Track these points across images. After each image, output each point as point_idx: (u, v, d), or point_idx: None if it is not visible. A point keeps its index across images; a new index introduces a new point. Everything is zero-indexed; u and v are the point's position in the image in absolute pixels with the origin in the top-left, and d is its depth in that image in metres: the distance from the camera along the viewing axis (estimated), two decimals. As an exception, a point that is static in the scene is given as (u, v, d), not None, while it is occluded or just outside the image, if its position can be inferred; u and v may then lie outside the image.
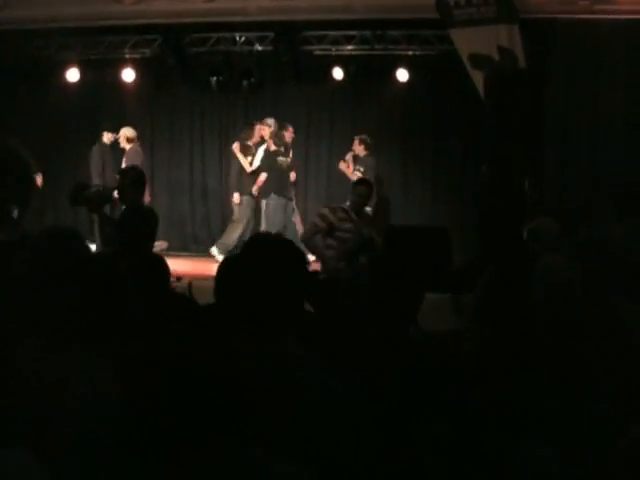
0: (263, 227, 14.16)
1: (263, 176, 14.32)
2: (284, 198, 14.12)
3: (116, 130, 14.89)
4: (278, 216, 14.00)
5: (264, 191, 14.28)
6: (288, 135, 14.63)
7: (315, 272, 5.04)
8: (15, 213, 2.09)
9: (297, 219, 14.61)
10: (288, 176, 14.40)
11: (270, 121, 14.65)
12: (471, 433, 2.36)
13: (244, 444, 2.07)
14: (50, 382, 2.59)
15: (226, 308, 4.36)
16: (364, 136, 14.67)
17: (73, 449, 2.47)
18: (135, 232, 9.13)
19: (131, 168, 10.50)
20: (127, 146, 14.56)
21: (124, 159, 14.43)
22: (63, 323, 2.82)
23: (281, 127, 14.62)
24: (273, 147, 14.38)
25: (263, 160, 14.57)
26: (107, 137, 14.87)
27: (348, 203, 10.09)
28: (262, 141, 14.77)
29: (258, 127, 14.89)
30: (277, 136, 14.46)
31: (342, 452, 2.57)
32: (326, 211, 10.13)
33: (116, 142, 14.88)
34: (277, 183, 14.16)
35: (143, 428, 2.10)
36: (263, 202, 14.27)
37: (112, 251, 8.90)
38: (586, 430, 2.79)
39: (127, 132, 14.53)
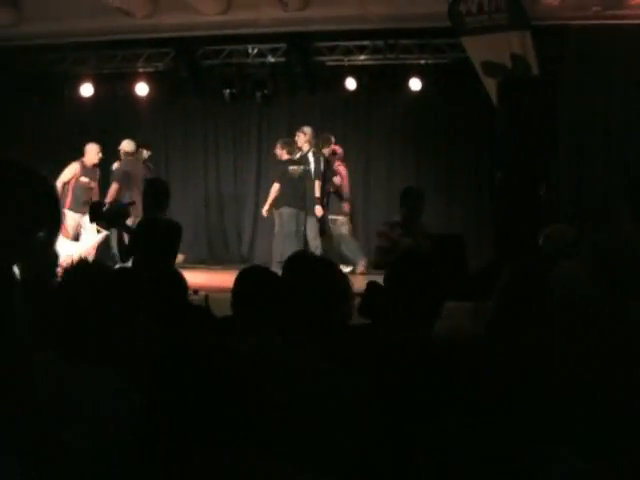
0: (276, 236, 14.11)
1: (275, 187, 14.20)
2: (296, 209, 14.01)
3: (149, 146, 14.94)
4: (291, 226, 13.91)
5: (278, 201, 14.19)
6: (329, 149, 14.59)
7: (373, 282, 5.05)
8: (41, 237, 2.11)
9: (311, 230, 14.43)
10: (302, 186, 14.21)
11: (307, 129, 14.44)
12: (488, 440, 2.36)
13: (257, 451, 2.08)
14: (64, 394, 2.61)
15: (243, 319, 4.38)
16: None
17: (84, 458, 2.49)
18: (149, 246, 9.15)
19: (152, 180, 10.55)
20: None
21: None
22: (79, 335, 2.84)
23: (325, 140, 14.59)
24: (285, 156, 14.29)
25: (274, 170, 14.53)
26: (144, 153, 14.81)
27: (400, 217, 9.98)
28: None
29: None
30: (288, 144, 14.37)
31: (355, 457, 2.57)
32: (385, 229, 10.01)
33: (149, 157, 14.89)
34: (289, 194, 14.04)
35: (157, 438, 2.11)
36: (276, 212, 14.19)
37: (130, 265, 8.94)
38: (603, 434, 2.78)
39: (125, 146, 14.32)
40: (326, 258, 4.43)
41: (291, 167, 14.14)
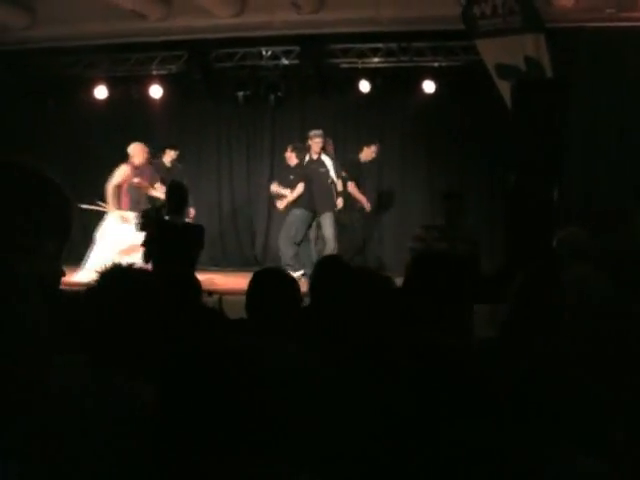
0: (281, 235, 14.03)
1: (300, 187, 14.05)
2: (309, 211, 13.95)
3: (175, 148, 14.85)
4: (300, 226, 13.83)
5: (294, 202, 14.10)
6: (369, 152, 14.61)
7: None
8: (50, 246, 2.12)
9: (329, 229, 14.28)
10: (314, 189, 14.13)
11: (320, 132, 14.38)
12: (493, 440, 2.36)
13: (267, 457, 2.08)
14: (81, 396, 2.62)
15: (257, 321, 4.39)
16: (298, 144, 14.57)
17: (95, 459, 2.50)
18: (164, 248, 9.24)
19: (170, 184, 10.63)
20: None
21: None
22: (103, 338, 2.89)
23: (369, 143, 14.61)
24: (294, 160, 14.22)
25: (298, 171, 14.39)
26: (169, 155, 14.76)
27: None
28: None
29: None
30: (298, 149, 14.31)
31: (357, 459, 2.57)
32: (420, 231, 9.96)
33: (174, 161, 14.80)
34: (302, 196, 13.98)
35: (166, 439, 2.12)
36: (290, 212, 14.10)
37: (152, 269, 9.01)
38: (612, 435, 2.78)
39: (128, 148, 14.35)
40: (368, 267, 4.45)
41: (311, 169, 14.09)
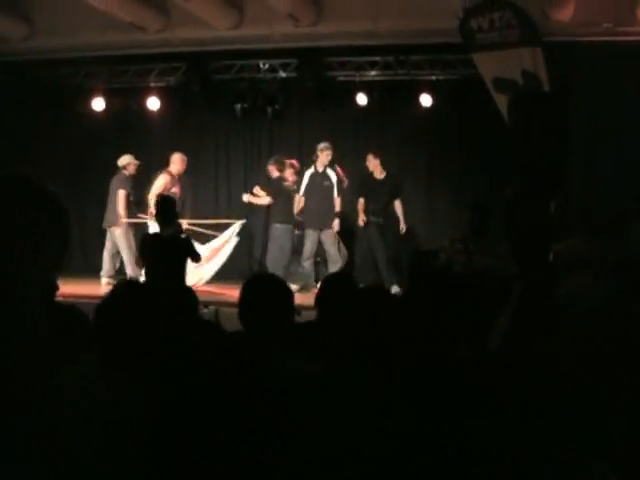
0: (270, 252, 14.11)
1: (266, 201, 14.29)
2: (288, 224, 14.02)
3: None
4: (284, 242, 13.89)
5: (272, 216, 14.34)
6: (374, 162, 14.63)
7: None
8: (47, 256, 2.15)
9: (332, 245, 14.29)
10: (315, 202, 14.23)
11: (325, 144, 14.54)
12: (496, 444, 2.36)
13: (267, 457, 2.09)
14: (82, 397, 2.63)
15: (251, 327, 4.39)
16: (278, 157, 14.74)
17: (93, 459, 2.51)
18: (152, 260, 9.30)
19: (157, 197, 10.65)
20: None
21: None
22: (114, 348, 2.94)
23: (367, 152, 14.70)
24: (276, 173, 14.30)
25: (273, 186, 14.57)
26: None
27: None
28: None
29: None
30: (278, 162, 14.37)
31: (364, 463, 2.57)
32: (446, 243, 10.01)
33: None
34: (282, 210, 14.10)
35: (163, 442, 2.12)
36: (271, 227, 14.25)
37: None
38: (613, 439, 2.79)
39: (119, 160, 14.48)
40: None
41: (286, 183, 14.24)
